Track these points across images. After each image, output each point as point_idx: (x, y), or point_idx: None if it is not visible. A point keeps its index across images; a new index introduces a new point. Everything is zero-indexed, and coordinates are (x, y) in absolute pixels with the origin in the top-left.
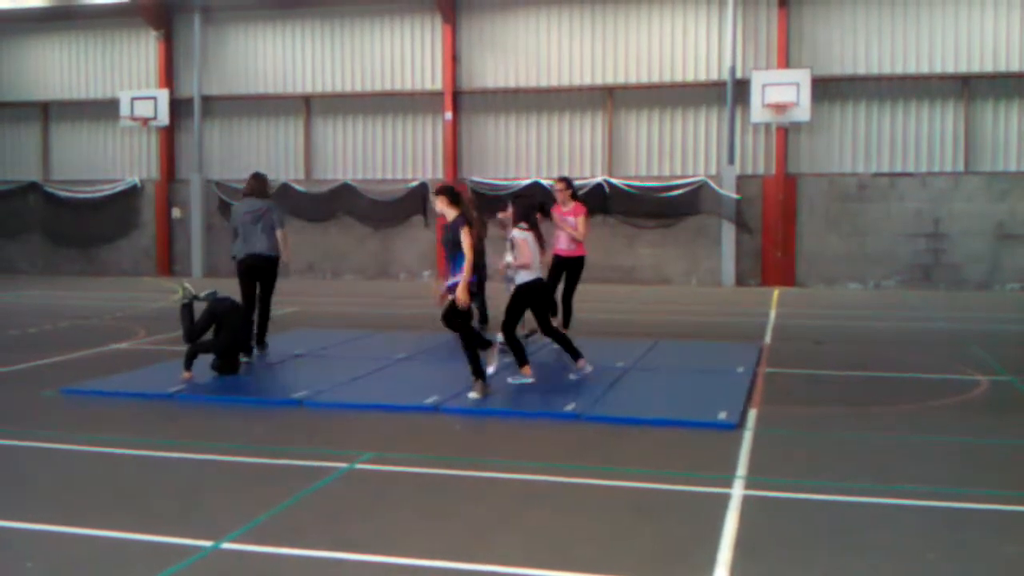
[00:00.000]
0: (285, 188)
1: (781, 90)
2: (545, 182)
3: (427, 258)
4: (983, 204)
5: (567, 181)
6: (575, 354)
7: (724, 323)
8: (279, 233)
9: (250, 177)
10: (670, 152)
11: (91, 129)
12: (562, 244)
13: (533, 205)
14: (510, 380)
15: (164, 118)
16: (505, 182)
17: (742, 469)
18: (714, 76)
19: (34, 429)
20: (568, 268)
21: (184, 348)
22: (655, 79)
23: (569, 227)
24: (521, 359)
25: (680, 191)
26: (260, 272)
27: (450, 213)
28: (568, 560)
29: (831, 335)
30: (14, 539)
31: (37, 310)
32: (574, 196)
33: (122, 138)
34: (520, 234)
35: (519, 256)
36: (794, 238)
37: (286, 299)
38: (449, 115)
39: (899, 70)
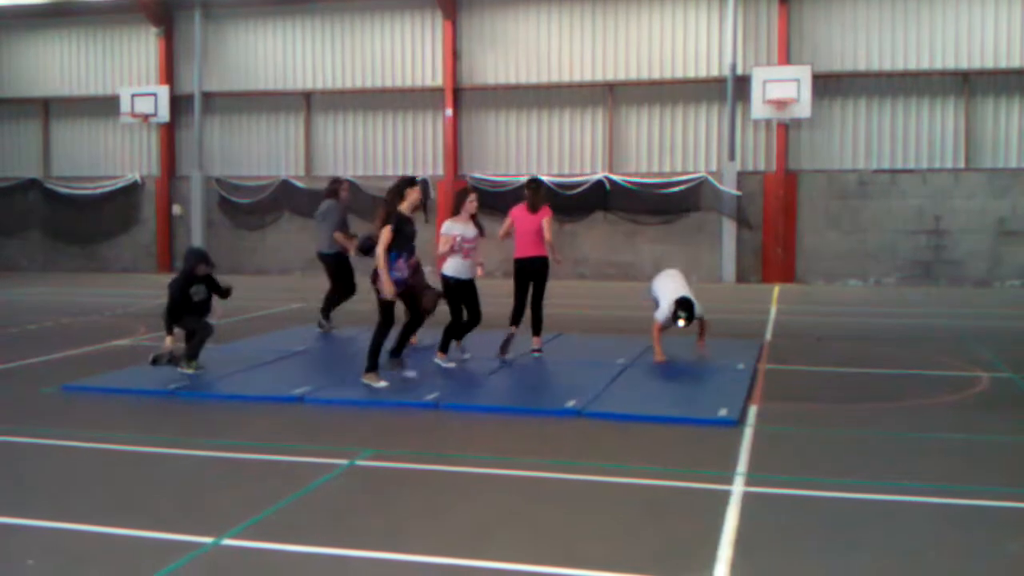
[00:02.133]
0: (285, 185)
1: (782, 86)
2: (546, 178)
3: (428, 254)
4: (984, 200)
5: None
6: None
7: (724, 320)
8: (336, 233)
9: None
10: (671, 148)
11: (91, 126)
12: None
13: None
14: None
15: (164, 115)
16: (505, 178)
17: (742, 466)
18: (715, 72)
19: (35, 426)
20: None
21: (183, 346)
22: (656, 75)
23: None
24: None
25: (680, 187)
26: (323, 265)
27: None
28: (568, 556)
29: (831, 332)
30: (15, 536)
31: (37, 307)
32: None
33: (122, 135)
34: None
35: None
36: (794, 234)
37: (287, 296)
38: (449, 111)
39: (899, 66)
